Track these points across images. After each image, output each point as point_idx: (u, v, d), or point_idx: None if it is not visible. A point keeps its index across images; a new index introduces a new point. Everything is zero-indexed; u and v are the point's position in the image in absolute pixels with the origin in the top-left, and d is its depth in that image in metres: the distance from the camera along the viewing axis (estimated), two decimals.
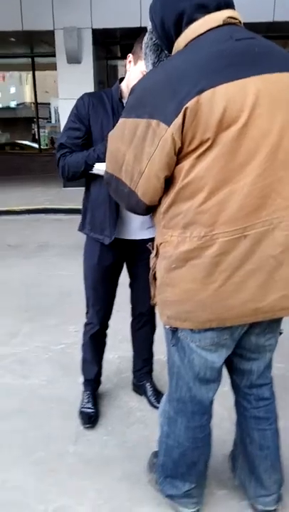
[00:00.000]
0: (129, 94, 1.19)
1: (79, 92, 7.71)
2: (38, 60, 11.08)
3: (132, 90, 1.17)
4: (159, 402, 2.06)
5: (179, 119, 1.05)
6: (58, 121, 9.96)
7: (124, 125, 1.16)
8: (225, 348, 1.28)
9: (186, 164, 1.09)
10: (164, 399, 1.48)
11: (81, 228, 1.93)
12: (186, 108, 1.03)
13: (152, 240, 1.83)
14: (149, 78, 1.15)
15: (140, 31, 6.18)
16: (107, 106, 1.72)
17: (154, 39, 1.25)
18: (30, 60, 10.91)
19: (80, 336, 2.74)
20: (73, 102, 7.30)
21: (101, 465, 1.76)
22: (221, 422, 1.82)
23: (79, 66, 7.74)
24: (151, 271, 1.32)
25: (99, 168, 1.62)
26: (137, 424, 2.00)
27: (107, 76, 9.11)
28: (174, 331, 1.29)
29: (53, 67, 11.63)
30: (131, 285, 2.04)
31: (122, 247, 1.84)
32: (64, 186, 8.19)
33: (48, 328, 2.93)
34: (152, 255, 1.33)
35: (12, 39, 8.88)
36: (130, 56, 1.66)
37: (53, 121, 11.69)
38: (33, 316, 3.10)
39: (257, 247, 1.11)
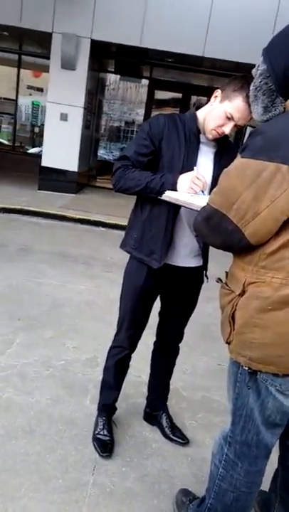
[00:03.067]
0: (255, 135, 1.18)
1: (69, 97, 7.72)
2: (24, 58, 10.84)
3: (260, 131, 1.17)
4: (174, 434, 2.06)
5: None
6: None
7: (247, 165, 1.15)
8: None
9: None
10: (219, 439, 1.44)
11: (123, 246, 1.85)
12: None
13: (200, 268, 1.84)
14: (284, 123, 1.15)
15: (138, 51, 6.36)
16: (180, 132, 1.67)
17: (269, 84, 1.25)
18: (16, 56, 10.65)
19: (79, 353, 2.72)
20: (60, 107, 7.26)
21: (125, 499, 1.69)
22: None
23: (73, 73, 7.66)
24: (231, 308, 1.30)
25: (170, 195, 1.58)
26: (155, 457, 1.94)
27: (96, 87, 9.09)
28: (252, 374, 1.27)
29: (35, 67, 11.44)
30: (163, 312, 1.99)
31: (167, 272, 1.80)
32: (39, 189, 8.00)
33: (44, 341, 2.80)
34: (230, 292, 1.32)
35: (5, 33, 8.63)
36: (218, 92, 1.62)
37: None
38: (27, 326, 2.95)
39: None
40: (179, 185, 1.59)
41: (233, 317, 1.29)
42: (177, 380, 2.52)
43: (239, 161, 1.19)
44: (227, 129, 1.60)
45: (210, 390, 2.55)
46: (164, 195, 1.59)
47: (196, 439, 2.10)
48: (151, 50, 7.58)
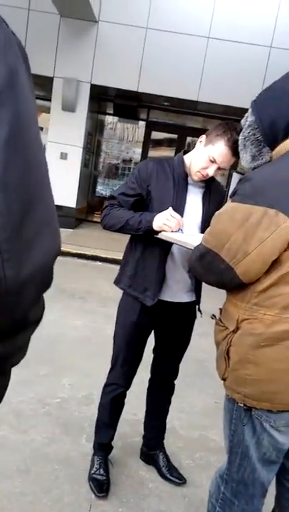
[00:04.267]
0: (243, 181, 1.27)
1: (68, 137, 8.01)
2: None
3: (249, 178, 1.25)
4: (171, 474, 2.03)
5: None
6: None
7: (237, 209, 1.23)
8: None
9: None
10: (216, 477, 1.44)
11: (117, 282, 1.91)
12: None
13: (193, 303, 1.89)
14: (270, 171, 1.23)
15: (135, 95, 6.70)
16: (169, 175, 1.77)
17: (257, 135, 1.35)
18: None
19: (75, 390, 2.71)
20: (60, 147, 7.50)
21: None
22: None
23: (72, 114, 7.96)
24: (226, 345, 1.34)
25: (166, 235, 1.65)
26: (152, 498, 1.91)
27: (95, 128, 9.41)
28: (247, 410, 1.29)
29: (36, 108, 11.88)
30: (157, 348, 2.02)
31: (160, 308, 1.83)
32: None
33: (40, 377, 2.79)
34: (224, 329, 1.36)
35: None
36: (203, 137, 1.74)
37: None
38: (22, 362, 2.87)
39: None
40: (154, 223, 1.67)
41: (228, 353, 1.32)
42: (174, 419, 2.51)
43: (230, 205, 1.26)
44: (211, 171, 1.70)
45: (207, 429, 2.53)
46: (160, 234, 1.67)
47: (193, 479, 2.08)
48: (148, 94, 7.93)
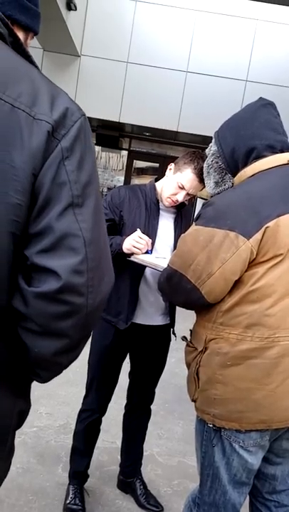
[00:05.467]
0: (206, 206, 1.32)
1: None
2: None
3: (211, 203, 1.31)
4: (148, 502, 2.01)
5: (258, 235, 1.19)
6: None
7: (200, 232, 1.28)
8: (262, 450, 1.32)
9: (257, 272, 1.22)
10: (189, 501, 1.43)
11: None
12: (267, 227, 1.19)
13: (167, 326, 1.91)
14: (231, 196, 1.30)
15: (117, 126, 6.90)
16: (141, 201, 1.82)
17: (219, 163, 1.42)
18: None
19: (52, 419, 2.67)
20: None
21: None
22: None
23: None
24: (195, 365, 1.36)
25: (137, 257, 1.69)
26: None
27: None
28: (216, 431, 1.30)
29: None
30: (133, 371, 2.02)
31: (134, 331, 1.84)
32: None
33: None
34: (194, 349, 1.38)
35: None
36: (172, 165, 1.82)
37: None
38: None
39: None
40: (124, 245, 1.70)
41: (197, 374, 1.34)
42: (153, 446, 2.49)
43: (194, 228, 1.32)
44: (180, 197, 1.77)
45: (186, 456, 2.50)
46: (132, 257, 1.71)
47: (171, 507, 2.05)
48: (129, 124, 8.14)
